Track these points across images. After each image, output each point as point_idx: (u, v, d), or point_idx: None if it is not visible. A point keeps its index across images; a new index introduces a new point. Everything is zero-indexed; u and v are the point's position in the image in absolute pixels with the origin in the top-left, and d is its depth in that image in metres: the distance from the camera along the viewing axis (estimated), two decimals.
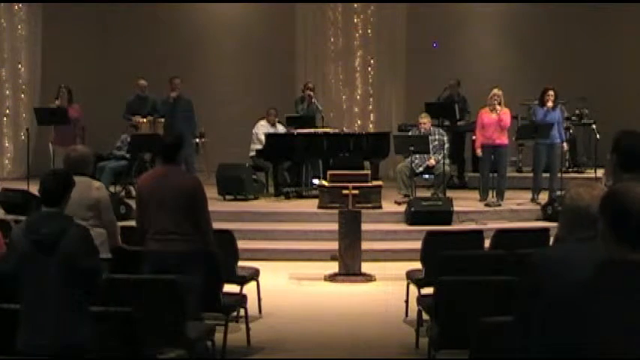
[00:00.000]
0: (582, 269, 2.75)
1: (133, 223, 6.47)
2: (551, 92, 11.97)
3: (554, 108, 11.96)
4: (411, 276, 7.52)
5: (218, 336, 6.10)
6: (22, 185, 11.87)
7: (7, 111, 15.62)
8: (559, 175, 12.04)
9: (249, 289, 7.46)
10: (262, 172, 13.38)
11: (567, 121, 14.07)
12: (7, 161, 15.65)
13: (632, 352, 2.16)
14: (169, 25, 16.02)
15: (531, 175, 12.15)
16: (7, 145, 15.65)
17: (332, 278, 9.25)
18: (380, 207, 9.80)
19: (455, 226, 10.63)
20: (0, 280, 4.82)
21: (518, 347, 2.94)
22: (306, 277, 9.36)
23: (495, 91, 11.80)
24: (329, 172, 9.93)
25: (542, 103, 11.97)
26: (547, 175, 11.96)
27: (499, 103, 11.72)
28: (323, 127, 13.58)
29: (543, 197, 11.72)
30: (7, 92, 15.61)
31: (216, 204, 11.11)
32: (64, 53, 15.71)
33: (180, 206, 5.95)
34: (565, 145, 12.19)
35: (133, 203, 6.57)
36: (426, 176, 12.43)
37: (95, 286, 4.53)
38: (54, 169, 9.35)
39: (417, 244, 7.76)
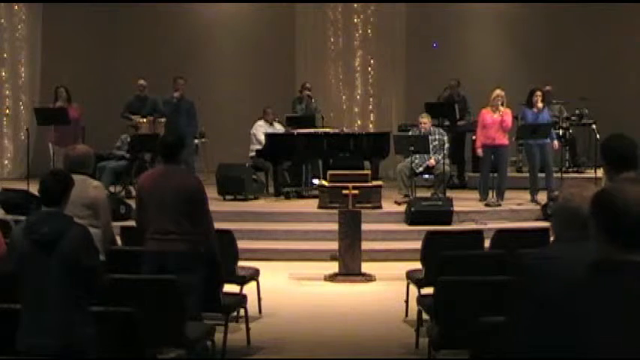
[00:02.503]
0: (572, 269, 2.77)
1: (133, 223, 6.47)
2: (538, 93, 12.00)
3: (542, 109, 11.98)
4: (411, 276, 7.52)
5: (218, 336, 6.10)
6: (22, 185, 11.86)
7: (7, 111, 15.65)
8: (559, 175, 12.04)
9: (249, 289, 7.46)
10: (262, 172, 13.38)
11: (567, 121, 14.09)
12: (7, 161, 15.67)
13: (625, 352, 2.16)
14: (170, 25, 16.02)
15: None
16: (7, 145, 15.66)
17: (332, 278, 9.25)
18: (380, 207, 9.81)
19: (455, 226, 10.62)
20: (0, 280, 4.82)
21: (511, 348, 2.95)
22: (306, 277, 9.36)
23: (498, 91, 11.79)
24: (329, 172, 9.93)
25: (531, 105, 11.98)
26: (542, 175, 11.97)
27: (502, 104, 11.73)
28: (323, 127, 13.59)
29: (543, 197, 11.72)
30: (7, 92, 15.63)
31: (216, 204, 11.10)
32: (64, 53, 15.72)
33: (180, 206, 5.94)
34: (556, 143, 12.17)
35: (133, 203, 6.55)
36: (426, 176, 12.43)
37: (95, 285, 4.53)
38: (54, 169, 9.36)
39: (417, 244, 7.76)
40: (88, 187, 6.09)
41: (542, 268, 2.92)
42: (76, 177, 5.96)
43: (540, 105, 11.94)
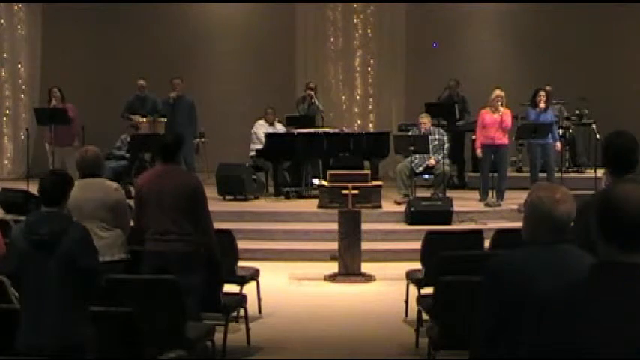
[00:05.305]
0: (550, 274, 2.78)
1: (132, 223, 6.46)
2: (542, 93, 11.99)
3: (546, 109, 11.98)
4: (411, 276, 7.52)
5: (218, 336, 6.10)
6: (22, 185, 11.86)
7: (7, 111, 15.64)
8: (559, 175, 12.03)
9: (249, 289, 7.46)
10: (262, 172, 13.38)
11: (567, 121, 14.09)
12: (7, 161, 15.66)
13: (620, 352, 2.16)
14: (169, 25, 16.02)
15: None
16: (7, 145, 15.66)
17: (332, 278, 9.25)
18: (380, 207, 9.82)
19: (455, 226, 10.62)
20: (0, 280, 4.82)
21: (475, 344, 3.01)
22: (306, 277, 9.36)
23: (498, 92, 11.78)
24: (329, 172, 9.94)
25: (534, 104, 11.99)
26: (544, 175, 11.96)
27: (501, 104, 11.72)
28: (323, 127, 13.59)
29: None
30: (7, 92, 15.63)
31: (216, 204, 11.10)
32: (64, 53, 15.72)
33: (179, 206, 5.95)
34: (558, 145, 12.17)
35: (132, 203, 6.54)
36: (426, 176, 12.43)
37: (95, 285, 4.53)
38: (53, 169, 9.37)
39: (417, 244, 7.76)
40: (109, 190, 6.16)
41: (522, 274, 2.94)
42: (94, 180, 6.06)
43: (543, 105, 11.94)
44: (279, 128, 13.62)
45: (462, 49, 15.98)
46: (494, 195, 11.85)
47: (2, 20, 15.54)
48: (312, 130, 13.12)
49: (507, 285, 2.94)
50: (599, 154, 12.38)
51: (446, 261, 6.45)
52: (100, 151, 6.44)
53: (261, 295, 7.69)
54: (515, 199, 11.96)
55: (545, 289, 2.42)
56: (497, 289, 2.97)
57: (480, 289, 3.10)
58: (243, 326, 6.97)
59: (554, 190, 3.08)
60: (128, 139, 13.01)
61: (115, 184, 6.41)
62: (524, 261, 2.99)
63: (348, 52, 15.95)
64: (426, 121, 12.36)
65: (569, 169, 13.84)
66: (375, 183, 9.80)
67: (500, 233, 7.65)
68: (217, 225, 6.54)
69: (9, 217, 9.70)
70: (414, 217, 10.93)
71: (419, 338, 6.65)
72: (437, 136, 12.31)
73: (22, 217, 6.15)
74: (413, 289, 7.34)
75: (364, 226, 9.48)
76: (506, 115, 11.73)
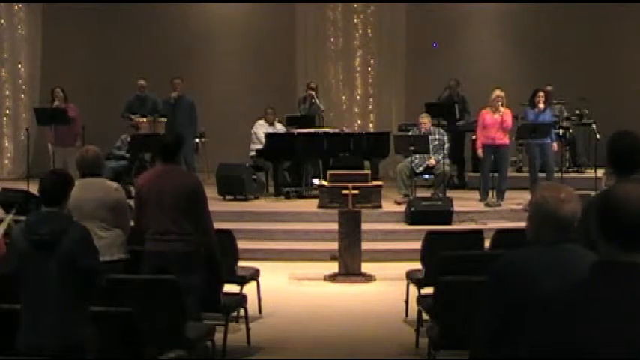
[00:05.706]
0: (554, 273, 2.79)
1: (132, 223, 6.47)
2: (541, 93, 12.02)
3: (544, 109, 11.99)
4: (411, 276, 7.52)
5: (218, 336, 6.10)
6: (22, 185, 11.86)
7: (7, 111, 15.65)
8: (559, 175, 12.03)
9: (249, 289, 7.46)
10: (262, 172, 13.38)
11: (567, 121, 14.09)
12: (7, 161, 15.66)
13: (621, 352, 2.15)
14: (169, 25, 16.02)
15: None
16: (7, 145, 15.66)
17: (332, 278, 9.25)
18: (380, 207, 9.83)
19: (455, 226, 10.62)
20: (0, 280, 4.82)
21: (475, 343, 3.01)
22: (306, 277, 9.36)
23: (498, 92, 11.79)
24: (329, 172, 9.95)
25: (533, 104, 12.00)
26: (544, 175, 11.97)
27: (502, 104, 11.72)
28: (323, 127, 13.59)
29: None
30: (7, 92, 15.63)
31: (216, 204, 11.10)
32: (64, 53, 15.72)
33: (179, 206, 5.95)
34: (555, 145, 12.16)
35: (132, 203, 6.55)
36: (426, 176, 12.43)
37: (95, 285, 4.53)
38: (54, 169, 9.37)
39: (417, 244, 7.76)
40: (110, 190, 6.16)
41: (517, 271, 2.94)
42: (94, 180, 6.07)
43: (542, 105, 11.95)
44: (279, 128, 13.62)
45: (462, 49, 15.98)
46: (495, 195, 11.85)
47: (2, 20, 15.55)
48: (312, 130, 13.12)
49: (511, 285, 2.94)
50: (599, 154, 12.45)
51: (446, 261, 6.45)
52: (100, 151, 6.44)
53: (261, 295, 7.70)
54: (515, 199, 11.98)
55: (548, 288, 2.42)
56: (501, 290, 2.97)
57: (484, 290, 3.10)
58: (243, 326, 6.97)
59: (559, 190, 3.08)
60: (128, 139, 13.01)
61: (115, 184, 6.41)
62: (527, 261, 2.99)
63: (348, 52, 15.96)
64: (426, 121, 12.36)
65: (570, 169, 13.84)
66: (375, 183, 9.82)
67: (500, 233, 7.65)
68: (217, 225, 6.54)
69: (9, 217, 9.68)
70: (414, 217, 10.93)
71: (419, 338, 6.65)
72: (437, 136, 12.31)
73: (23, 217, 6.16)
74: (413, 289, 7.34)
75: (364, 226, 9.48)
76: (506, 115, 11.74)
